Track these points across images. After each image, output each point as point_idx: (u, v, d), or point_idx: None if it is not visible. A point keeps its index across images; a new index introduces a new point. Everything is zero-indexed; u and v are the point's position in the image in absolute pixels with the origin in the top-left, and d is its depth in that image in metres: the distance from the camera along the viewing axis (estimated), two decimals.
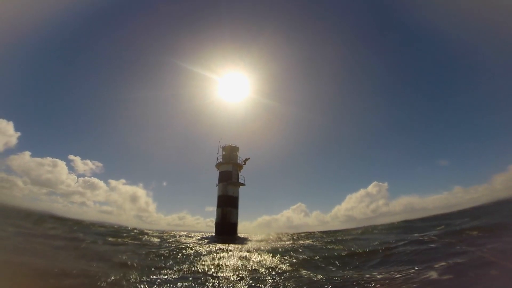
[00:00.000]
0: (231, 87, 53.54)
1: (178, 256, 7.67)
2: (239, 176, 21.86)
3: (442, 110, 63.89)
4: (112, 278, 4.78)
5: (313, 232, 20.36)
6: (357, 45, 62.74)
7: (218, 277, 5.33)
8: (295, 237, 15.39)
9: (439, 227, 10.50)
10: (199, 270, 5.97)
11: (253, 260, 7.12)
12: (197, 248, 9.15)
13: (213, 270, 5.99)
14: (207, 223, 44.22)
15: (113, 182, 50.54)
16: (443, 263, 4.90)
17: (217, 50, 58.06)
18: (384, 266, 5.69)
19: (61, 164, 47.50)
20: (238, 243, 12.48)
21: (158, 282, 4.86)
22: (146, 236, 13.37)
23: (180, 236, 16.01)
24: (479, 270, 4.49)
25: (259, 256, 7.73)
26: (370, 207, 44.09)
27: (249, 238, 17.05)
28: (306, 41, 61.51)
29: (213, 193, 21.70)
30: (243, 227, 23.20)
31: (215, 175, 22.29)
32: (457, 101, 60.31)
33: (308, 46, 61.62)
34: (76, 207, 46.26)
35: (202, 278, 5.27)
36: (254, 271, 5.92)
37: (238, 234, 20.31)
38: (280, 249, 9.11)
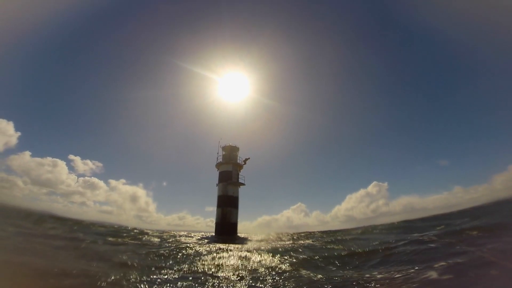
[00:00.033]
0: (231, 87, 53.60)
1: (178, 256, 7.67)
2: (239, 176, 21.87)
3: (442, 110, 63.93)
4: (112, 278, 4.78)
5: (313, 232, 20.36)
6: (357, 45, 62.80)
7: (218, 277, 5.33)
8: (295, 237, 15.39)
9: (439, 227, 10.50)
10: (199, 270, 5.97)
11: (253, 260, 7.12)
12: (197, 248, 9.16)
13: (213, 270, 6.00)
14: (207, 223, 44.29)
15: (113, 182, 50.61)
16: (443, 263, 4.90)
17: (217, 49, 58.10)
18: (384, 266, 5.69)
19: (61, 164, 47.56)
20: (238, 243, 12.48)
21: (158, 282, 4.87)
22: (146, 236, 13.38)
23: (180, 236, 16.01)
24: (479, 270, 4.49)
25: (259, 256, 7.73)
26: (370, 207, 44.12)
27: (249, 238, 17.05)
28: (306, 41, 61.54)
29: (213, 193, 21.72)
30: (243, 227, 23.23)
31: (215, 175, 22.32)
32: (457, 101, 60.35)
33: (308, 46, 61.64)
34: (76, 207, 46.31)
35: (202, 278, 5.27)
36: (254, 271, 5.92)
37: (238, 234, 20.31)
38: (280, 249, 9.12)
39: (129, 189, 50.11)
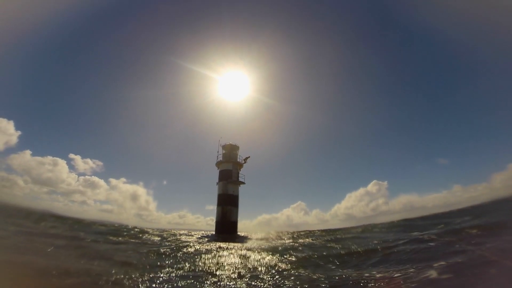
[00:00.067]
0: (231, 86, 53.44)
1: (179, 255, 7.70)
2: (239, 175, 21.89)
3: (441, 109, 63.82)
4: (114, 277, 4.80)
5: (313, 230, 20.44)
6: (357, 44, 62.53)
7: (218, 275, 5.35)
8: (295, 236, 15.44)
9: (439, 226, 10.53)
10: (200, 268, 6.00)
11: (253, 259, 7.15)
12: (198, 247, 9.19)
13: (213, 268, 6.02)
14: (207, 221, 44.37)
15: (113, 181, 50.54)
16: (442, 262, 4.91)
17: (217, 49, 57.90)
18: (384, 265, 5.70)
19: (62, 163, 47.51)
20: (238, 242, 12.53)
21: (159, 281, 4.89)
22: (146, 235, 13.42)
23: (180, 234, 16.07)
24: (479, 269, 4.49)
25: (259, 254, 7.76)
26: (370, 205, 44.19)
27: (249, 237, 17.11)
28: (306, 40, 61.29)
29: (213, 191, 21.76)
30: (243, 226, 23.29)
31: (215, 173, 22.34)
32: (457, 100, 60.23)
33: (308, 45, 61.40)
34: (76, 206, 46.37)
35: (203, 276, 5.30)
36: (253, 269, 5.94)
37: (238, 233, 20.37)
38: (280, 248, 9.15)
39: (129, 188, 50.19)
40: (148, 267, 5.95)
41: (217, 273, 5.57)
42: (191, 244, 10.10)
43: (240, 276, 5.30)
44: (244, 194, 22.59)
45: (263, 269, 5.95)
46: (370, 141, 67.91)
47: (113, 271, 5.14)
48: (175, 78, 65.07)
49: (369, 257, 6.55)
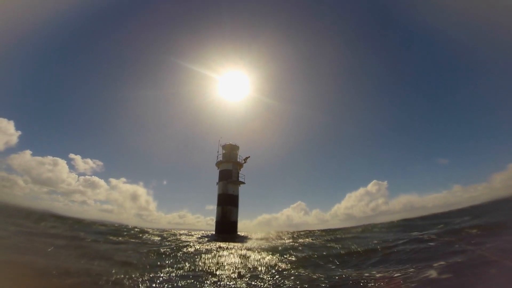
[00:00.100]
0: (231, 86, 53.43)
1: (179, 255, 7.71)
2: (239, 175, 21.90)
3: (441, 109, 63.83)
4: (114, 276, 4.81)
5: (313, 230, 20.44)
6: (357, 44, 62.53)
7: (218, 275, 5.36)
8: (295, 236, 15.45)
9: (439, 225, 10.54)
10: (200, 268, 6.01)
11: (253, 258, 7.16)
12: (198, 247, 9.20)
13: (213, 268, 6.03)
14: (208, 221, 44.35)
15: (113, 181, 50.55)
16: (442, 262, 4.91)
17: (218, 48, 57.88)
18: (384, 265, 5.71)
19: (62, 163, 47.51)
20: (238, 242, 12.53)
21: (159, 281, 4.90)
22: (146, 235, 13.43)
23: (180, 234, 16.08)
24: (479, 269, 4.49)
25: (259, 254, 7.77)
26: (370, 205, 44.20)
27: (249, 237, 17.12)
28: (306, 40, 61.27)
29: (213, 191, 21.77)
30: (243, 226, 23.30)
31: (215, 173, 22.34)
32: (457, 100, 60.22)
33: (308, 45, 61.37)
34: (76, 206, 46.37)
35: (203, 276, 5.30)
36: (253, 269, 5.95)
37: (238, 233, 20.39)
38: (280, 248, 9.16)
39: (129, 187, 50.18)
40: (148, 267, 5.96)
41: (217, 273, 5.58)
42: (191, 244, 10.10)
43: (240, 276, 5.31)
44: (244, 194, 22.62)
45: (263, 269, 5.95)
46: (370, 141, 67.95)
47: (113, 271, 5.15)
48: (175, 78, 65.09)
49: (369, 257, 6.55)
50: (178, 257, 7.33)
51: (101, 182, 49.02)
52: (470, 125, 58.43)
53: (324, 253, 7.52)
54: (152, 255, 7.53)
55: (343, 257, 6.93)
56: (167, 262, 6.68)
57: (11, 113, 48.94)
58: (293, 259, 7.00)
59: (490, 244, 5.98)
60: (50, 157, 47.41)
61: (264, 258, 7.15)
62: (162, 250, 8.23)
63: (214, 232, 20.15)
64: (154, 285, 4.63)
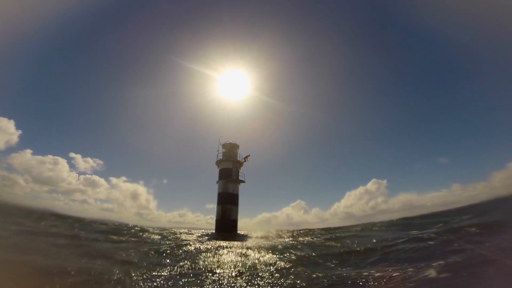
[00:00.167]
0: (231, 85, 53.36)
1: (179, 253, 7.74)
2: (239, 173, 21.93)
3: (441, 108, 63.82)
4: (115, 275, 4.83)
5: (313, 229, 20.49)
6: (357, 44, 62.39)
7: (218, 273, 5.39)
8: (294, 234, 15.49)
9: (438, 224, 10.56)
10: (200, 267, 6.04)
11: (252, 257, 7.19)
12: (198, 245, 9.24)
13: (213, 266, 6.06)
14: (208, 220, 44.47)
15: (114, 180, 50.69)
16: (441, 261, 4.93)
17: (218, 48, 57.69)
18: (383, 264, 5.73)
19: (62, 162, 47.64)
20: (238, 240, 12.57)
21: (160, 279, 4.92)
22: (147, 234, 13.47)
23: (180, 233, 16.12)
24: (478, 268, 4.51)
25: (259, 253, 7.80)
26: (369, 204, 44.35)
27: (249, 235, 17.17)
28: (306, 39, 61.09)
29: (213, 190, 21.81)
30: (243, 224, 23.38)
31: (215, 172, 22.38)
32: (456, 99, 60.21)
33: (309, 45, 61.22)
34: (77, 204, 46.53)
35: (203, 274, 5.33)
36: (253, 267, 5.98)
37: (238, 231, 20.45)
38: (280, 246, 9.19)
39: (129, 186, 50.30)
40: (148, 265, 5.98)
41: (217, 271, 5.61)
42: (191, 242, 10.14)
43: (240, 274, 5.33)
44: (244, 192, 22.69)
45: (263, 267, 5.98)
46: (370, 140, 67.96)
47: (114, 270, 5.18)
48: (175, 77, 64.97)
49: (368, 256, 6.58)
50: (179, 256, 7.36)
51: (102, 181, 49.20)
52: (469, 124, 58.47)
53: (324, 252, 7.54)
54: (153, 253, 7.55)
55: (342, 255, 6.96)
56: (167, 260, 6.71)
57: (12, 113, 48.96)
58: (293, 257, 7.03)
59: (489, 243, 6.00)
60: (50, 156, 47.60)
61: (263, 257, 7.18)
62: (162, 249, 8.25)
63: (214, 231, 20.22)
64: (154, 283, 4.66)
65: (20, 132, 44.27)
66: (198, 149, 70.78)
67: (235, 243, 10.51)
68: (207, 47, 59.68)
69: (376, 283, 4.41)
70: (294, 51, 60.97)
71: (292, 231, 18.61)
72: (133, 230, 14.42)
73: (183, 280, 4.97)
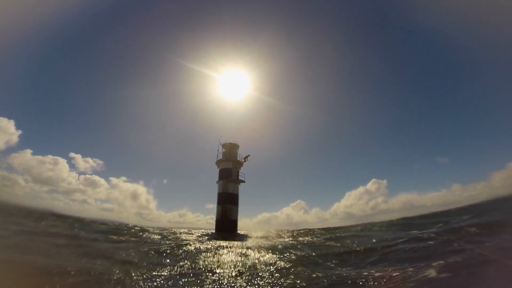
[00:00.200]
0: (231, 84, 53.41)
1: (179, 253, 7.74)
2: (239, 173, 21.93)
3: (441, 108, 63.88)
4: (115, 275, 4.83)
5: (313, 229, 20.49)
6: (357, 43, 62.43)
7: (218, 273, 5.39)
8: (294, 234, 15.50)
9: (438, 224, 10.57)
10: (200, 267, 6.04)
11: (252, 257, 7.19)
12: (198, 245, 9.24)
13: (213, 266, 6.06)
14: (207, 220, 44.51)
15: (114, 180, 50.71)
16: (441, 261, 4.93)
17: (218, 47, 57.75)
18: (383, 264, 5.73)
19: (62, 162, 47.67)
20: (238, 240, 12.57)
21: (160, 279, 4.92)
22: (147, 233, 13.47)
23: (180, 233, 16.12)
24: (478, 268, 4.50)
25: (259, 252, 7.80)
26: (369, 204, 44.37)
27: (249, 235, 17.17)
28: (306, 39, 61.13)
29: (214, 190, 21.81)
30: (243, 224, 23.39)
31: (215, 172, 22.38)
32: (456, 99, 60.29)
33: (309, 45, 61.26)
34: (77, 204, 46.56)
35: (203, 274, 5.33)
36: (253, 267, 5.98)
37: (238, 231, 20.45)
38: (280, 246, 9.19)
39: (129, 186, 50.32)
40: (149, 265, 5.99)
41: (217, 271, 5.61)
42: (191, 242, 10.14)
43: (240, 274, 5.34)
44: (244, 192, 22.69)
45: (263, 267, 5.98)
46: (370, 140, 68.01)
47: (115, 270, 5.18)
48: (175, 77, 64.98)
49: (368, 256, 6.58)
50: (178, 256, 7.37)
51: (102, 181, 49.22)
52: (469, 124, 58.54)
53: (324, 252, 7.54)
54: (153, 253, 7.56)
55: (342, 255, 6.96)
56: (167, 260, 6.71)
57: (12, 113, 48.98)
58: (293, 257, 7.03)
59: (489, 243, 6.00)
60: (50, 156, 47.64)
61: (263, 257, 7.18)
62: (162, 249, 8.26)
63: (214, 231, 20.22)
64: (155, 283, 4.66)
65: (20, 132, 44.35)
66: (198, 149, 70.85)
67: (235, 243, 10.51)
68: (207, 46, 59.79)
69: (376, 283, 4.41)
70: (294, 51, 61.07)
71: (292, 231, 18.62)
72: (133, 230, 14.42)
73: (183, 280, 4.97)
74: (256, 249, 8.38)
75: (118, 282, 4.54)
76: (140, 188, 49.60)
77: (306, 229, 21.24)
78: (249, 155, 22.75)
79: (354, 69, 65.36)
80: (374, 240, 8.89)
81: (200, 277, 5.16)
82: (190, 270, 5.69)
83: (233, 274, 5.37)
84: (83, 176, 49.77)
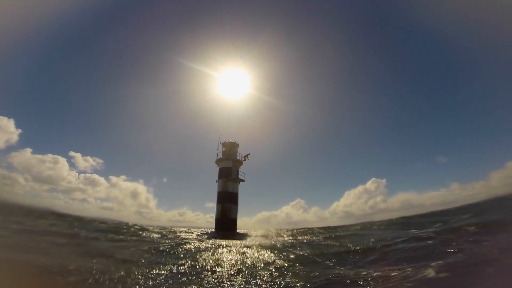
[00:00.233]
0: (231, 84, 53.30)
1: (179, 252, 7.77)
2: (239, 172, 21.95)
3: (441, 108, 63.89)
4: (116, 274, 4.85)
5: (312, 228, 20.57)
6: (357, 43, 62.28)
7: (218, 272, 5.42)
8: (294, 233, 15.56)
9: (437, 224, 10.61)
10: (200, 265, 6.06)
11: (252, 256, 7.22)
12: (197, 244, 9.27)
13: (212, 264, 6.08)
14: (207, 219, 44.52)
15: (113, 179, 50.58)
16: (440, 261, 4.94)
17: (218, 46, 57.51)
18: (382, 263, 5.76)
19: (62, 160, 47.55)
20: (237, 239, 12.62)
21: (160, 277, 4.95)
22: (147, 232, 13.50)
23: (180, 232, 16.16)
24: (477, 267, 4.52)
25: (258, 251, 7.83)
26: (368, 203, 44.44)
27: (248, 234, 17.22)
28: (306, 39, 60.96)
29: (213, 189, 21.84)
30: (243, 223, 23.45)
31: (215, 171, 22.40)
32: (456, 99, 60.32)
33: (309, 44, 61.10)
34: (77, 203, 46.56)
35: (203, 273, 5.35)
36: (252, 266, 6.01)
37: (238, 230, 20.51)
38: (279, 245, 9.22)
39: (129, 185, 50.19)
40: (149, 264, 6.01)
41: (217, 269, 5.64)
42: (191, 241, 10.17)
43: (239, 273, 5.36)
44: (243, 191, 22.73)
45: (262, 265, 6.01)
46: (369, 139, 68.01)
47: (115, 269, 5.20)
48: (175, 76, 64.80)
49: (367, 255, 6.60)
50: (178, 254, 7.39)
51: (102, 180, 49.15)
52: (469, 124, 58.62)
53: (323, 251, 7.57)
54: (153, 252, 7.58)
55: (341, 254, 6.98)
56: (167, 259, 6.74)
57: (12, 112, 48.85)
58: (292, 256, 7.06)
59: (488, 242, 6.03)
60: (50, 155, 47.55)
61: (263, 255, 7.22)
62: (162, 248, 8.28)
63: (213, 230, 20.27)
64: (155, 282, 4.68)
65: (20, 131, 44.19)
66: (198, 148, 70.79)
67: (235, 241, 10.54)
68: (207, 46, 59.55)
69: (374, 283, 4.43)
70: (294, 51, 60.87)
71: (292, 230, 18.69)
72: (133, 229, 14.45)
73: (183, 278, 5.00)
74: (255, 248, 8.41)
75: (118, 281, 4.56)
76: (140, 187, 49.60)
77: (306, 228, 21.33)
78: (249, 154, 22.79)
79: (354, 69, 65.25)
80: (373, 239, 8.93)
81: (200, 275, 5.19)
82: (190, 269, 5.72)
83: (233, 272, 5.40)
84: (83, 175, 49.72)
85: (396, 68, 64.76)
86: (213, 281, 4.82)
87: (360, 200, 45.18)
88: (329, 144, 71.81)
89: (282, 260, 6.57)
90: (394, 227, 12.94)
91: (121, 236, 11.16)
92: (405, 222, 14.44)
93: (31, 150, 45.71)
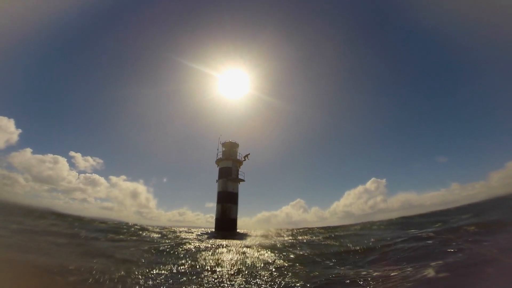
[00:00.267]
0: (231, 84, 53.30)
1: (179, 252, 7.77)
2: (239, 172, 21.95)
3: (441, 108, 63.92)
4: (116, 274, 4.85)
5: (312, 228, 20.58)
6: (357, 43, 62.29)
7: (218, 271, 5.42)
8: (294, 233, 15.56)
9: (437, 223, 10.61)
10: (200, 265, 6.06)
11: (251, 255, 7.22)
12: (197, 244, 9.27)
13: (212, 264, 6.09)
14: (207, 219, 44.53)
15: (114, 179, 50.60)
16: (440, 261, 4.94)
17: (218, 46, 57.52)
18: (381, 263, 5.76)
19: (62, 160, 47.58)
20: (237, 239, 12.62)
21: (161, 277, 4.95)
22: (147, 232, 13.50)
23: (180, 232, 16.17)
24: (477, 267, 4.52)
25: (258, 251, 7.84)
26: (368, 203, 44.46)
27: (248, 234, 17.22)
28: (306, 39, 60.97)
29: (213, 189, 21.85)
30: (243, 223, 23.46)
31: (215, 171, 22.40)
32: (456, 99, 60.36)
33: (309, 44, 61.11)
34: (77, 203, 46.57)
35: (203, 272, 5.36)
36: (252, 265, 6.01)
37: (238, 230, 20.51)
38: (279, 245, 9.23)
39: (129, 185, 50.19)
40: (149, 264, 6.01)
41: (217, 269, 5.64)
42: (191, 241, 10.17)
43: (239, 272, 5.36)
44: (243, 191, 22.74)
45: (262, 265, 6.01)
46: (369, 139, 68.04)
47: (115, 269, 5.20)
48: (175, 76, 64.82)
49: (367, 255, 6.60)
50: (178, 254, 7.39)
51: (102, 179, 49.17)
52: (468, 124, 58.64)
53: (322, 251, 7.58)
54: (153, 252, 7.58)
55: (341, 254, 6.99)
56: (167, 259, 6.74)
57: (12, 112, 48.84)
58: (292, 256, 7.06)
59: (488, 242, 6.03)
60: (50, 155, 47.58)
61: (263, 255, 7.22)
62: (162, 248, 8.28)
63: (213, 230, 20.27)
64: (155, 281, 4.69)
65: (20, 131, 44.22)
66: (198, 148, 70.78)
67: (235, 241, 10.55)
68: (207, 46, 59.56)
69: (374, 282, 4.43)
70: (294, 51, 60.87)
71: (292, 230, 18.69)
72: (133, 229, 14.45)
73: (183, 278, 5.00)
74: (255, 248, 8.42)
75: (118, 281, 4.56)
76: (140, 187, 49.60)
77: (306, 228, 21.33)
78: (249, 154, 22.79)
79: (354, 69, 65.29)
80: (373, 239, 8.93)
81: (200, 275, 5.19)
82: (190, 269, 5.72)
83: (232, 272, 5.40)
84: (83, 175, 49.74)
85: (396, 68, 64.84)
86: (213, 281, 4.82)
87: (360, 200, 45.22)
88: (329, 144, 71.87)
89: (282, 260, 6.57)
90: (394, 227, 12.95)
91: (121, 236, 11.16)
92: (405, 222, 14.44)
93: (31, 150, 45.79)
